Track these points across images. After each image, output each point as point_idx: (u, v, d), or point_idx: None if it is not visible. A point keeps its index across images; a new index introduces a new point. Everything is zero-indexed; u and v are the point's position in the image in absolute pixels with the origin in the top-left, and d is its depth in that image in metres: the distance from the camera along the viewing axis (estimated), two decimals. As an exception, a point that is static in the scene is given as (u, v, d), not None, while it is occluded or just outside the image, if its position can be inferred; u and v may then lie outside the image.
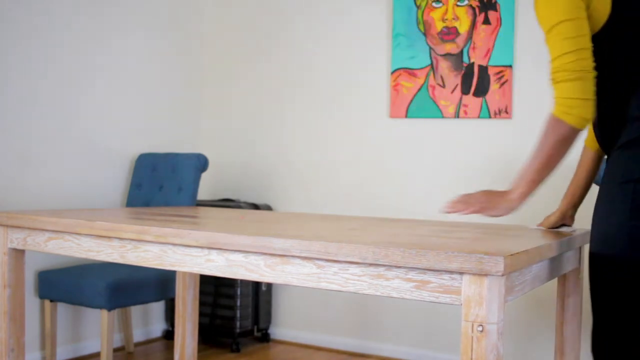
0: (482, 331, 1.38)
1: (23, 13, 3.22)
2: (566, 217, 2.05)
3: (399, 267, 1.49)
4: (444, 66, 3.51)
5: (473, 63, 3.44)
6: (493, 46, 3.39)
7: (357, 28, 3.77)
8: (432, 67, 3.54)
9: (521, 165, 3.34)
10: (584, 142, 2.03)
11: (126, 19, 3.73)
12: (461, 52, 3.47)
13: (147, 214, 2.38)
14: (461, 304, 1.42)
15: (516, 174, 3.35)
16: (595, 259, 1.66)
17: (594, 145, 1.98)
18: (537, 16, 1.70)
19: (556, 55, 1.64)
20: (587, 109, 1.63)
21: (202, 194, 4.21)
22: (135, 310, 3.78)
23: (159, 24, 3.93)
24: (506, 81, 3.36)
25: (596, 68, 1.69)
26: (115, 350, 3.60)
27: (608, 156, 1.77)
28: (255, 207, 3.81)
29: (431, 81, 3.54)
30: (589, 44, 1.65)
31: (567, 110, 1.64)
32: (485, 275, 1.38)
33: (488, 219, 3.39)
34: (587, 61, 1.64)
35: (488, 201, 1.78)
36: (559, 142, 1.67)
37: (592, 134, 1.97)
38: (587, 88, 1.63)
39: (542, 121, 3.29)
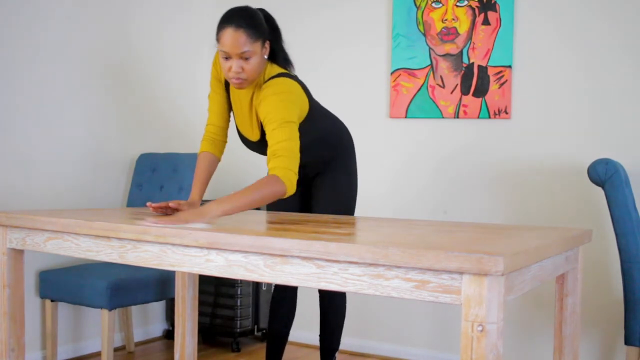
0: (482, 331, 1.39)
1: (24, 14, 3.23)
2: (196, 205, 2.39)
3: (399, 267, 1.49)
4: (443, 66, 3.51)
5: (473, 63, 3.44)
6: (492, 46, 3.39)
7: (356, 28, 3.77)
8: (432, 67, 3.54)
9: (520, 165, 3.34)
10: (211, 152, 2.56)
11: (123, 20, 3.73)
12: (461, 52, 3.47)
13: (147, 214, 2.38)
14: (461, 304, 1.42)
15: (511, 174, 3.35)
16: None
17: (220, 155, 2.60)
18: (268, 110, 2.22)
19: (284, 138, 2.15)
20: (295, 179, 2.12)
21: (202, 194, 4.21)
22: (136, 310, 3.78)
23: (158, 24, 3.93)
24: (506, 81, 3.37)
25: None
26: (116, 349, 3.60)
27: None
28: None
29: (431, 81, 3.55)
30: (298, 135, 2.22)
31: (286, 177, 2.09)
32: (485, 275, 1.38)
33: (488, 219, 3.40)
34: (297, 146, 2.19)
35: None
36: (272, 197, 2.07)
37: (218, 146, 2.59)
38: (296, 162, 2.15)
39: (542, 121, 3.29)
